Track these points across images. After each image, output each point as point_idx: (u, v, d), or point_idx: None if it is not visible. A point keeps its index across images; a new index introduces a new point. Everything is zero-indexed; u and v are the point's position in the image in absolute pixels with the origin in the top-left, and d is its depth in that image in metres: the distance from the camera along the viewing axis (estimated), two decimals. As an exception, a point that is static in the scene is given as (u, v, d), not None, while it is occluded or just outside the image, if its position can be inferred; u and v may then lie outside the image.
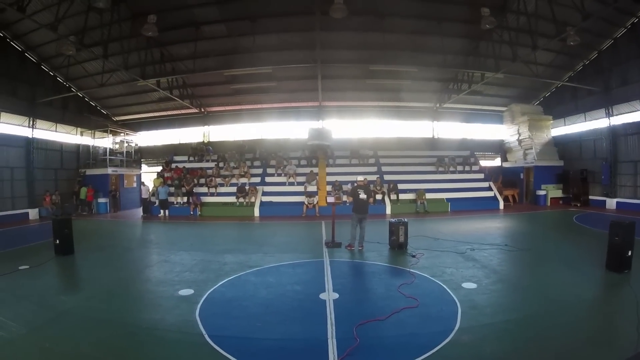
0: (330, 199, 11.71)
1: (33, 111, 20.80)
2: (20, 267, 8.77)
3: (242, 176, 22.09)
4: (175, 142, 28.07)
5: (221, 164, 23.62)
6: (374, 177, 20.79)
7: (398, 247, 10.05)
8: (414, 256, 9.23)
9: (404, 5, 17.05)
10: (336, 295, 6.49)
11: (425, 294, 6.50)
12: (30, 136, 20.71)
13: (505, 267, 8.48)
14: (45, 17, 14.91)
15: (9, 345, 4.77)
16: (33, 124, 20.85)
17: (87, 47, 16.15)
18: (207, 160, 24.76)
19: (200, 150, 25.70)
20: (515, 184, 24.29)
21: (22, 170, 20.17)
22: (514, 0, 16.13)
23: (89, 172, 23.92)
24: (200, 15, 17.38)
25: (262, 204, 20.02)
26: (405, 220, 10.41)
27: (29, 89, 20.41)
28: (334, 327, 5.13)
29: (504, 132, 26.78)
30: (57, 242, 10.05)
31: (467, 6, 16.62)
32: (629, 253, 7.41)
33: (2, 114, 19.32)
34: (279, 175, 22.55)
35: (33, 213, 19.94)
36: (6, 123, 19.57)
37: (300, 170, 22.70)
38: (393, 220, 10.49)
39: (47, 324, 5.49)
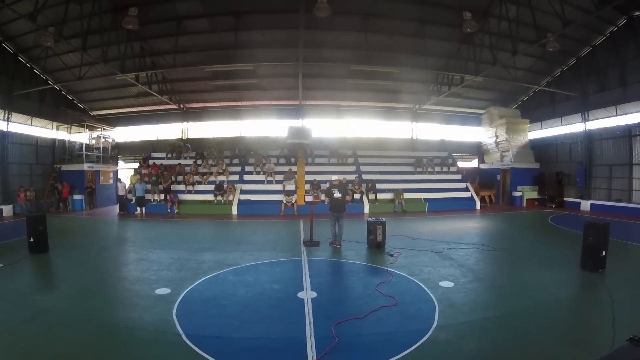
0: (309, 198, 11.76)
1: (9, 104, 20.14)
2: (-8, 266, 8.54)
3: (221, 174, 21.87)
4: (153, 138, 27.62)
5: (199, 161, 23.29)
6: (352, 177, 20.90)
7: (376, 246, 10.12)
8: (391, 255, 9.33)
9: (387, 7, 17.17)
10: (314, 294, 6.51)
11: (403, 292, 6.58)
12: (5, 130, 20.08)
13: (481, 267, 8.64)
14: (25, 7, 14.46)
15: (-18, 346, 4.65)
16: (8, 117, 20.21)
17: (66, 39, 15.75)
18: (186, 157, 24.37)
19: (178, 147, 25.30)
20: (492, 185, 24.83)
21: (-5, 165, 19.57)
22: (496, 5, 16.43)
23: (65, 167, 23.34)
24: (182, 9, 17.13)
25: (240, 202, 19.88)
26: (383, 219, 10.48)
27: (5, 80, 19.70)
28: (312, 326, 5.15)
29: (482, 134, 27.29)
30: (32, 239, 9.83)
31: (450, 10, 16.84)
32: (603, 253, 7.67)
33: (-24, 106, 18.65)
34: (258, 173, 22.41)
35: (7, 209, 19.32)
36: (-20, 116, 18.92)
37: (279, 168, 22.63)
38: (371, 219, 10.55)
39: (22, 323, 5.37)
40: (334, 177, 11.45)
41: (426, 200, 20.77)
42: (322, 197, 17.77)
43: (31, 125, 22.34)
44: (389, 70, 20.70)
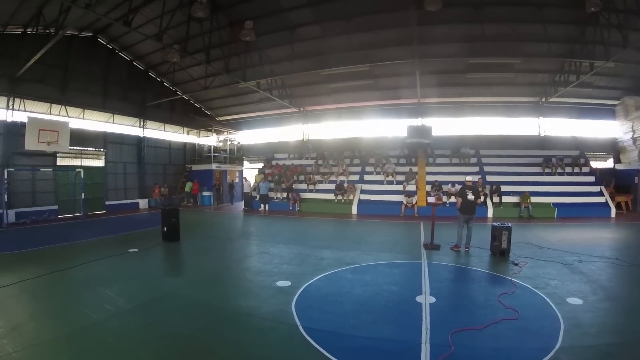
0: (431, 200, 11.35)
1: (143, 113, 23.63)
2: (130, 250, 9.97)
3: (341, 174, 22.40)
4: (275, 140, 29.22)
5: (320, 162, 24.15)
6: (475, 178, 19.72)
7: (500, 254, 9.52)
8: (516, 264, 8.69)
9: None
10: (433, 299, 6.34)
11: (526, 306, 6.07)
12: (141, 135, 23.50)
13: (614, 284, 7.57)
14: (150, 29, 16.52)
15: (115, 318, 5.48)
16: (143, 125, 23.74)
17: (190, 54, 17.50)
18: (307, 158, 25.52)
19: (300, 148, 26.61)
20: (630, 189, 21.39)
21: (134, 165, 22.97)
22: (619, -24, 14.18)
23: (195, 167, 26.15)
24: (294, 18, 17.81)
25: (360, 201, 20.07)
26: (509, 225, 9.80)
27: (138, 93, 23.08)
28: (428, 332, 5.03)
29: (617, 129, 23.51)
30: (165, 229, 11.19)
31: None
32: None
33: (116, 116, 22.22)
34: (378, 173, 22.40)
35: (143, 203, 22.64)
36: (120, 124, 22.61)
37: (399, 169, 22.29)
38: (496, 224, 9.93)
39: (150, 301, 6.16)
40: (468, 178, 10.96)
41: (555, 205, 18.71)
42: (445, 198, 17.43)
43: (164, 130, 25.71)
44: (509, 61, 18.98)
